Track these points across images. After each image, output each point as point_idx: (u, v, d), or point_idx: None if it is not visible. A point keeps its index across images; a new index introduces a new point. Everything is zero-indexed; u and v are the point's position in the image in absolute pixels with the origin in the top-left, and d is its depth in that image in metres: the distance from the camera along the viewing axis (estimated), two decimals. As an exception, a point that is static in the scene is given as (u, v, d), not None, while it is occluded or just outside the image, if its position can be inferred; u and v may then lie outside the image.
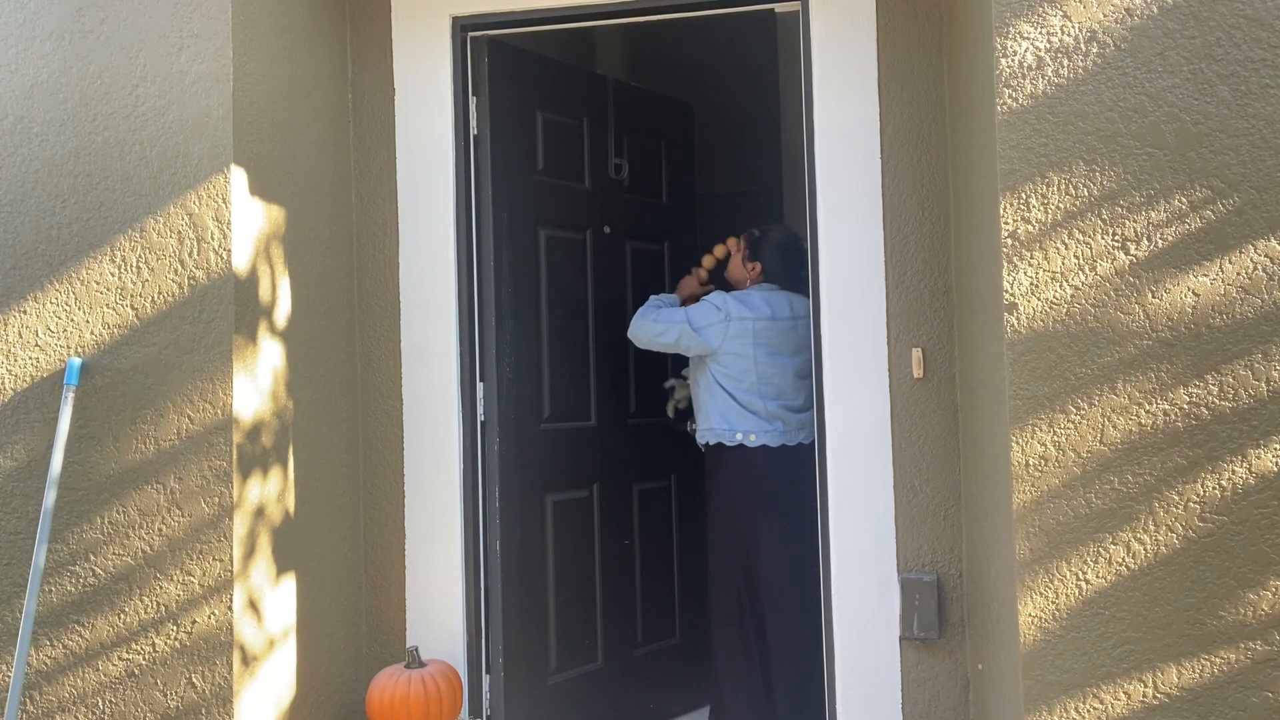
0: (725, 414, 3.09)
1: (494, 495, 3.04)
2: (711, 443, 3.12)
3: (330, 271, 2.94)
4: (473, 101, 3.10)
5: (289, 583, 2.69)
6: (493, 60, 3.10)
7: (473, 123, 3.11)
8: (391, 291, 3.07)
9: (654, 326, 3.10)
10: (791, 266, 3.16)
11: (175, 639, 2.48)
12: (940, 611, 2.76)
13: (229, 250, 2.49)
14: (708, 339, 3.06)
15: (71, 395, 2.50)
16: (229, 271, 2.49)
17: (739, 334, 3.05)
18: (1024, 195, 2.12)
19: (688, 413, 3.45)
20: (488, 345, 3.08)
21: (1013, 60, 2.13)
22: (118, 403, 2.53)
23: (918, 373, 2.78)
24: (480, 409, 3.07)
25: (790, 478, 3.09)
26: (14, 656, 2.49)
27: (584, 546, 3.28)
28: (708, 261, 3.35)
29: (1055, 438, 2.10)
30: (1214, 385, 2.05)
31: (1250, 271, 2.04)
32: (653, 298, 3.26)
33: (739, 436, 3.07)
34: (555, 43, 3.68)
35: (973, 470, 2.60)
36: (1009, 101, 2.12)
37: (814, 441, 3.06)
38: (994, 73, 2.14)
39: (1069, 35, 2.11)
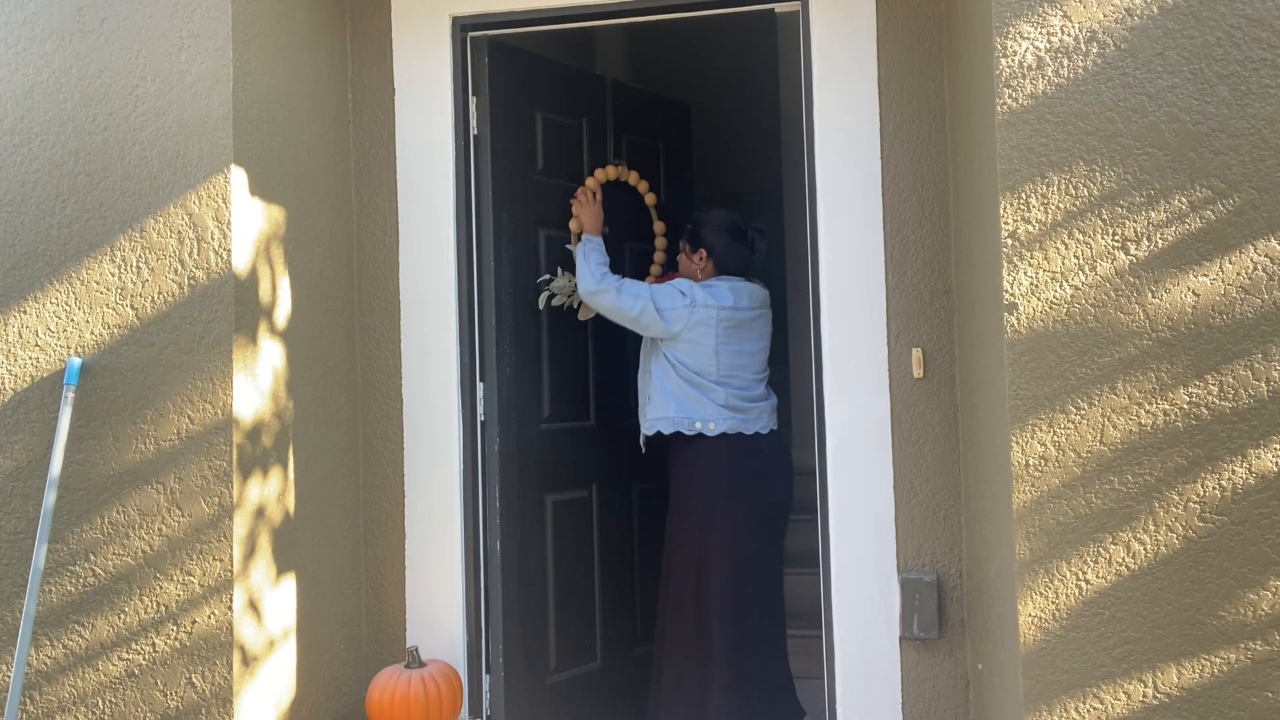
0: (683, 402, 3.02)
1: (494, 495, 3.04)
2: (667, 431, 3.04)
3: (330, 271, 2.94)
4: (472, 101, 3.10)
5: (289, 583, 2.69)
6: (492, 60, 3.10)
7: (472, 123, 3.11)
8: (391, 291, 3.07)
9: (617, 298, 3.00)
10: (735, 244, 3.13)
11: (175, 639, 2.48)
12: (940, 611, 2.76)
13: (229, 250, 2.49)
14: (669, 322, 2.99)
15: (71, 395, 2.50)
16: (229, 271, 2.49)
17: (702, 321, 3.00)
18: (1024, 195, 2.12)
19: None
20: (488, 345, 3.08)
21: (1013, 60, 2.13)
22: (118, 403, 2.53)
23: (918, 373, 2.78)
24: (480, 409, 3.07)
25: (753, 467, 3.04)
26: (14, 656, 2.49)
27: (583, 546, 3.27)
28: (593, 181, 3.28)
29: (1055, 438, 2.10)
30: (1214, 385, 2.05)
31: (1250, 271, 2.04)
32: (591, 245, 3.12)
33: (698, 425, 3.00)
34: (556, 43, 3.67)
35: (973, 470, 2.60)
36: (1009, 101, 2.12)
37: (773, 431, 3.10)
38: (994, 73, 2.14)
39: (1069, 35, 2.11)
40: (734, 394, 3.03)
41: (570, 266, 3.24)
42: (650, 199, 3.50)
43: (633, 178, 3.43)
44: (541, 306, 3.22)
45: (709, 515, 3.03)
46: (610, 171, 3.34)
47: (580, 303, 3.27)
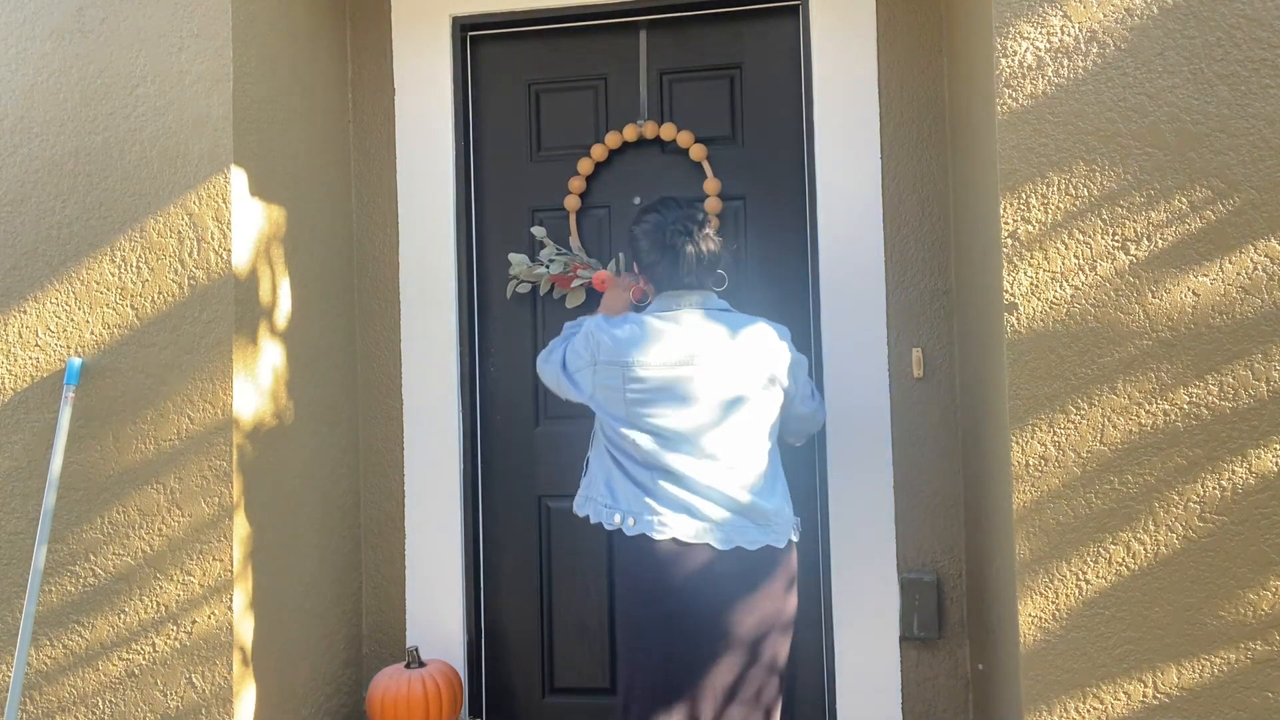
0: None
1: (492, 496, 3.04)
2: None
3: (330, 271, 2.94)
4: (472, 100, 3.10)
5: (289, 583, 2.69)
6: (493, 60, 3.09)
7: (472, 121, 3.11)
8: (391, 291, 3.08)
9: (541, 367, 2.43)
10: (663, 251, 2.27)
11: (175, 639, 2.48)
12: (940, 611, 2.76)
13: (229, 250, 2.49)
14: (580, 389, 2.35)
15: (71, 395, 2.50)
16: (229, 271, 2.49)
17: (607, 385, 2.29)
18: (1024, 195, 2.12)
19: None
20: (488, 344, 3.08)
21: (1013, 60, 2.13)
22: (118, 403, 2.53)
23: (918, 373, 2.78)
24: (479, 408, 3.07)
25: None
26: (14, 656, 2.49)
27: (594, 559, 3.07)
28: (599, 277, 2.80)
29: (1055, 438, 2.10)
30: (1214, 385, 2.05)
31: (1250, 271, 2.04)
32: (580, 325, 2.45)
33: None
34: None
35: (973, 470, 2.60)
36: (1009, 101, 2.12)
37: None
38: (994, 73, 2.14)
39: (1069, 35, 2.11)
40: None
41: (527, 250, 3.07)
42: (698, 152, 2.94)
43: (666, 131, 2.95)
44: (509, 295, 3.06)
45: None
46: (629, 133, 2.98)
47: (556, 288, 3.00)
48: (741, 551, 2.17)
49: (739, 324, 2.27)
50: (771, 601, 2.19)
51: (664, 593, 2.16)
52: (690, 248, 2.23)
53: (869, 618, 2.79)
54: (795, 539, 2.26)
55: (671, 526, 2.16)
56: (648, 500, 2.18)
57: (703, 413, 2.19)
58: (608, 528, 2.23)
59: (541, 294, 3.05)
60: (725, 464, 2.19)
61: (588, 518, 2.28)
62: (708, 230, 2.28)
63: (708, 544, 2.16)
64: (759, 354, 2.24)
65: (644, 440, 2.19)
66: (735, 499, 2.18)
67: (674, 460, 2.18)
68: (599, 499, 2.26)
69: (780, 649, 2.21)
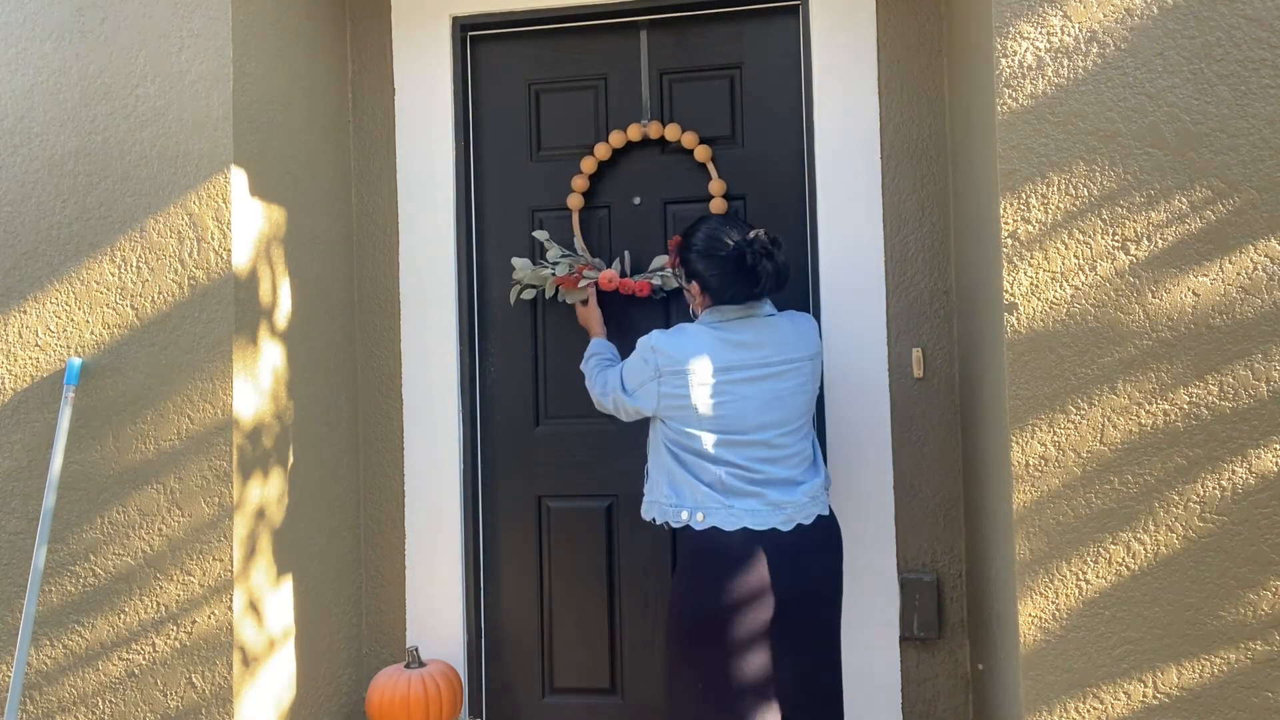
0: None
1: (492, 496, 3.04)
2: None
3: (330, 271, 2.94)
4: (472, 101, 3.10)
5: (289, 583, 2.69)
6: (493, 60, 3.09)
7: (472, 121, 3.11)
8: (391, 291, 3.08)
9: (591, 387, 2.60)
10: (733, 270, 2.31)
11: (175, 639, 2.48)
12: (940, 611, 2.76)
13: (229, 250, 2.49)
14: (642, 402, 2.41)
15: (71, 395, 2.50)
16: (229, 271, 2.49)
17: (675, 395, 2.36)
18: (1024, 195, 2.12)
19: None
20: (488, 344, 3.08)
21: (1013, 60, 2.13)
22: (118, 403, 2.53)
23: (918, 373, 2.78)
24: (479, 408, 3.07)
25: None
26: (14, 656, 2.49)
27: (593, 561, 3.05)
28: (578, 293, 2.92)
29: (1055, 438, 2.10)
30: (1214, 385, 2.05)
31: (1250, 271, 2.04)
32: (591, 349, 2.70)
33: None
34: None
35: (973, 470, 2.60)
36: (1009, 102, 2.12)
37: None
38: (994, 73, 2.14)
39: (1069, 35, 2.11)
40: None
41: (529, 253, 3.06)
42: (702, 153, 2.95)
43: (671, 132, 2.96)
44: (513, 302, 3.03)
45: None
46: (634, 132, 2.98)
47: (561, 290, 2.98)
48: (801, 528, 2.30)
49: (791, 323, 2.40)
50: (833, 560, 2.37)
51: (742, 581, 2.26)
52: (771, 265, 2.31)
53: (869, 618, 2.79)
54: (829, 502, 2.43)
55: (741, 517, 2.27)
56: (717, 495, 2.28)
57: (763, 408, 2.30)
58: (674, 525, 2.31)
59: (547, 297, 3.02)
60: (783, 452, 2.31)
61: (653, 520, 2.38)
62: (781, 245, 2.35)
63: (775, 528, 2.27)
64: (807, 348, 2.38)
65: (708, 439, 2.29)
66: (794, 483, 2.31)
67: (738, 454, 2.29)
68: (663, 500, 2.35)
69: (839, 607, 2.39)
